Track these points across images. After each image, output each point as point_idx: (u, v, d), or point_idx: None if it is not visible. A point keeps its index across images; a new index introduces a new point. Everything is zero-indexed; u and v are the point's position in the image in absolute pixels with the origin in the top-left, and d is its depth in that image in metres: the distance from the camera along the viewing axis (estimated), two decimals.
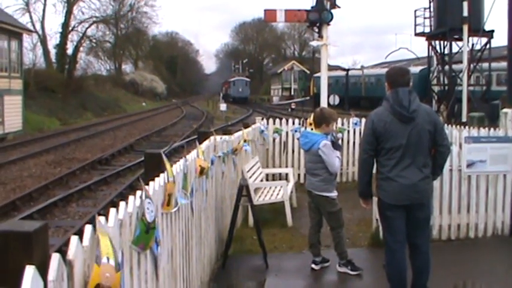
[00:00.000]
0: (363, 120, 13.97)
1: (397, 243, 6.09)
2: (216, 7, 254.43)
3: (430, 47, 34.97)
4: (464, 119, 27.39)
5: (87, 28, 66.56)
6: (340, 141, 14.61)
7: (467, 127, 15.26)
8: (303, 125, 14.98)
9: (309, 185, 7.84)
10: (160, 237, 3.79)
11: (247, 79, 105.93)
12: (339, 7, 16.51)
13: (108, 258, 2.50)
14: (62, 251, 9.06)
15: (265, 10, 16.87)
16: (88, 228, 2.59)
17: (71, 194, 14.64)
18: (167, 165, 4.30)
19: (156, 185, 4.00)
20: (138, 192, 3.42)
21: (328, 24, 16.36)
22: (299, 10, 16.55)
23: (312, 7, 16.36)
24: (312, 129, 8.07)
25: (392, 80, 6.05)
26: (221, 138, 8.23)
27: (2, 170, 19.04)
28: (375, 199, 6.40)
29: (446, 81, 33.31)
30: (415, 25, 35.59)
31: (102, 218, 2.70)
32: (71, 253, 2.34)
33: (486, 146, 9.08)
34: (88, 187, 15.79)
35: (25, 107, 35.08)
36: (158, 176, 4.26)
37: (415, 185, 5.85)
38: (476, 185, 9.21)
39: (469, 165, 9.03)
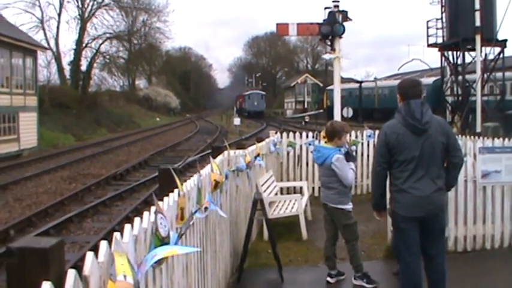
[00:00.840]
0: (377, 132, 13.97)
1: (412, 255, 6.07)
2: (228, 21, 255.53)
3: (443, 58, 34.86)
4: (478, 129, 27.25)
5: (100, 44, 67.11)
6: (354, 153, 14.68)
7: (481, 137, 15.19)
8: (316, 138, 14.98)
9: (324, 198, 7.86)
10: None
11: (263, 92, 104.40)
12: (350, 20, 16.51)
13: (125, 276, 2.52)
14: (78, 266, 9.11)
15: (277, 24, 16.90)
16: (103, 245, 2.61)
17: (86, 209, 14.71)
18: (177, 180, 4.33)
19: (170, 200, 4.03)
20: (153, 208, 3.44)
21: (341, 37, 16.36)
22: (311, 23, 16.57)
23: (323, 20, 16.38)
24: (325, 142, 8.07)
25: (405, 92, 6.06)
26: (235, 152, 8.24)
27: (18, 186, 19.19)
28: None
29: (460, 92, 33.16)
30: (428, 36, 35.52)
31: (117, 235, 2.72)
32: (86, 269, 2.36)
33: (501, 156, 9.04)
34: (103, 203, 15.85)
35: (40, 124, 35.35)
36: (172, 191, 4.29)
37: (429, 197, 5.84)
38: (491, 196, 9.16)
39: (483, 176, 8.99)
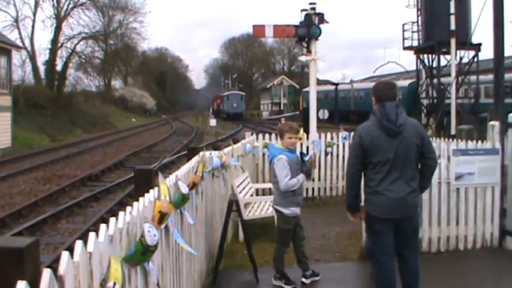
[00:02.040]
0: (352, 134, 14.04)
1: (386, 255, 6.12)
2: (205, 23, 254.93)
3: (419, 61, 35.24)
4: (453, 132, 27.50)
5: (76, 44, 66.66)
6: (329, 156, 14.74)
7: (455, 140, 15.34)
8: None
9: (273, 197, 7.91)
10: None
11: (242, 93, 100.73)
12: (327, 22, 16.61)
13: (114, 283, 2.53)
14: (52, 267, 9.06)
15: (254, 26, 16.95)
16: (79, 244, 2.61)
17: (60, 210, 14.61)
18: (163, 184, 4.34)
19: (145, 201, 4.03)
20: (128, 208, 3.45)
21: (317, 39, 16.45)
22: (288, 26, 16.64)
23: (300, 22, 16.46)
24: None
25: (379, 95, 6.11)
26: (210, 153, 8.25)
27: None
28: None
29: (435, 95, 33.52)
30: (404, 39, 35.87)
31: (97, 236, 2.72)
32: (62, 268, 2.36)
33: (474, 159, 9.16)
34: (78, 204, 15.76)
35: (14, 124, 35.01)
36: (148, 191, 4.29)
37: (403, 199, 5.89)
38: (465, 197, 9.26)
39: (457, 178, 9.10)
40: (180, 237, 4.88)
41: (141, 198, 4.01)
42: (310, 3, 16.50)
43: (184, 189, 4.60)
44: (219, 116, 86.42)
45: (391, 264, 6.15)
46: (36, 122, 44.35)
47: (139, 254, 3.34)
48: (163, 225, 4.35)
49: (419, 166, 6.11)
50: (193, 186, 5.92)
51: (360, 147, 6.00)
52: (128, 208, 3.50)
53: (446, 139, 15.96)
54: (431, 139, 7.40)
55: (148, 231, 3.38)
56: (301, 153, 7.85)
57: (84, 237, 2.69)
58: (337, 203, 12.27)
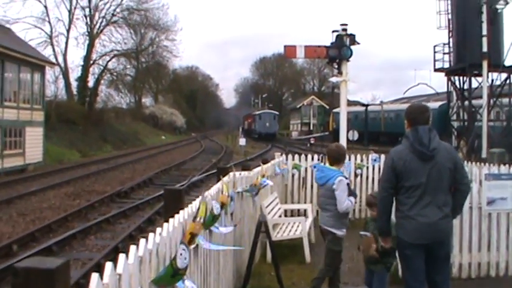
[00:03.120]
0: (382, 156, 13.93)
1: (416, 281, 6.02)
2: (236, 42, 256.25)
3: (450, 83, 34.93)
4: (484, 155, 27.21)
5: (108, 61, 67.56)
6: (359, 177, 14.66)
7: (487, 164, 15.15)
8: (322, 161, 14.97)
9: (320, 220, 7.90)
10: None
11: (276, 112, 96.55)
12: (358, 43, 16.55)
13: None
14: (80, 284, 9.08)
15: (285, 46, 16.94)
16: (108, 266, 2.59)
17: (89, 226, 14.68)
18: (203, 205, 4.32)
19: (175, 222, 4.01)
20: (158, 229, 3.43)
21: (348, 61, 16.39)
22: (319, 46, 16.60)
23: (331, 43, 16.42)
24: (329, 164, 8.00)
25: (412, 118, 6.04)
26: (240, 174, 8.23)
27: (22, 201, 19.19)
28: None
29: (465, 117, 33.18)
30: (435, 60, 35.61)
31: (127, 257, 2.70)
32: None
33: (507, 183, 8.99)
34: (107, 220, 15.83)
35: (46, 139, 35.47)
36: (178, 212, 4.27)
37: (435, 224, 5.79)
38: (497, 223, 9.11)
39: (489, 203, 8.95)
40: (215, 244, 4.86)
41: (170, 219, 3.99)
42: (342, 24, 16.47)
43: (217, 210, 4.58)
44: (250, 135, 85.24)
45: None
46: (68, 138, 44.85)
47: (169, 277, 3.32)
48: (192, 246, 4.33)
49: (451, 191, 6.01)
50: (222, 206, 5.90)
51: (392, 171, 5.92)
52: (158, 229, 3.48)
53: (478, 162, 15.77)
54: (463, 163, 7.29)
55: (181, 254, 3.36)
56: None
57: (112, 255, 2.67)
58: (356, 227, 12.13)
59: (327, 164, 8.00)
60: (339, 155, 7.78)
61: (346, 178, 7.72)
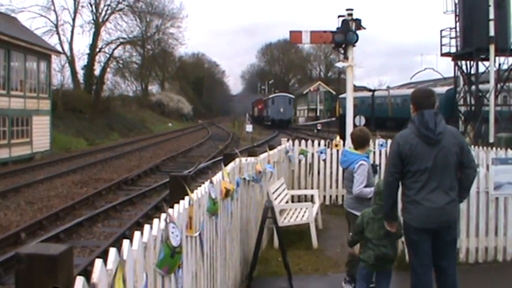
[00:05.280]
0: (389, 141, 13.89)
1: (423, 266, 6.00)
2: (243, 29, 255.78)
3: (456, 67, 34.74)
4: (491, 140, 27.11)
5: (114, 49, 67.42)
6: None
7: (494, 148, 15.10)
8: (328, 147, 14.96)
9: (345, 202, 8.12)
10: (182, 260, 3.78)
11: (291, 96, 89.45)
12: (364, 28, 16.46)
13: None
14: (87, 271, 9.11)
15: (290, 32, 16.87)
16: (112, 252, 2.59)
17: (96, 214, 14.74)
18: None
19: (180, 208, 4.01)
20: (163, 215, 3.43)
21: (354, 46, 16.32)
22: (324, 31, 16.53)
23: (337, 28, 16.34)
24: (353, 148, 8.10)
25: (418, 102, 6.01)
26: (246, 160, 8.22)
27: (29, 190, 19.27)
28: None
29: (473, 102, 33.04)
30: (441, 45, 35.40)
31: (131, 243, 2.70)
32: (95, 276, 2.34)
33: None
34: (114, 207, 15.88)
35: (53, 127, 35.54)
36: (183, 198, 4.27)
37: (442, 209, 5.77)
38: (504, 208, 9.08)
39: (496, 187, 8.91)
40: None
41: (175, 205, 3.99)
42: (347, 9, 16.39)
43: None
44: (261, 123, 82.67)
45: (428, 275, 6.04)
46: (74, 126, 44.93)
47: (169, 257, 3.33)
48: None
49: (458, 175, 5.98)
50: (227, 192, 5.88)
51: (398, 156, 5.89)
52: (163, 215, 3.48)
53: (485, 147, 15.72)
54: (470, 147, 7.26)
55: (172, 233, 3.36)
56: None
57: (119, 242, 2.67)
58: None
59: (350, 148, 8.14)
60: (363, 139, 7.93)
61: (372, 162, 7.84)
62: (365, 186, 7.50)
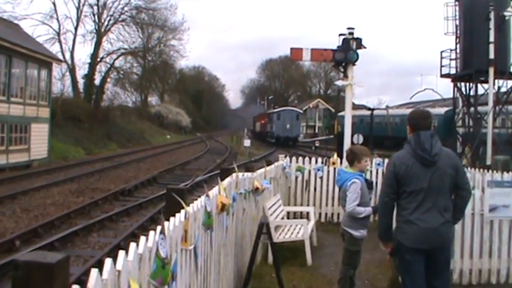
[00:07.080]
0: (386, 160, 13.93)
1: (416, 286, 6.02)
2: (246, 45, 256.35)
3: (456, 89, 34.80)
4: (488, 162, 27.15)
5: (115, 59, 67.52)
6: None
7: (490, 171, 15.13)
8: (325, 164, 15.00)
9: (341, 219, 8.26)
10: (177, 271, 3.81)
11: (299, 110, 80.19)
12: (364, 47, 16.57)
13: None
14: (81, 281, 9.11)
15: (291, 48, 16.97)
16: (108, 262, 2.62)
17: (92, 223, 14.72)
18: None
19: (176, 221, 4.04)
20: (159, 228, 3.47)
21: (354, 64, 16.42)
22: (325, 49, 16.63)
23: (338, 47, 16.45)
24: (347, 167, 8.21)
25: (414, 123, 6.07)
26: (243, 175, 8.25)
27: (26, 197, 19.26)
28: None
29: (471, 123, 33.10)
30: (441, 66, 35.45)
31: (126, 254, 2.73)
32: (90, 285, 2.37)
33: (510, 191, 8.98)
34: (110, 218, 15.87)
35: (51, 135, 35.56)
36: (179, 211, 4.30)
37: (436, 229, 5.80)
38: (498, 230, 9.11)
39: (491, 210, 8.94)
40: None
41: (171, 218, 4.02)
42: (348, 28, 16.50)
43: (209, 207, 4.70)
44: (263, 139, 78.39)
45: None
46: (73, 135, 44.94)
47: (161, 269, 3.36)
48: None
49: (453, 197, 6.02)
50: (223, 207, 5.91)
51: (394, 177, 5.94)
52: (158, 227, 3.51)
53: (482, 169, 15.75)
54: (466, 169, 7.31)
55: (161, 244, 3.40)
56: (365, 179, 7.95)
57: (113, 252, 2.70)
58: (369, 230, 12.14)
59: (344, 167, 8.26)
60: (352, 156, 7.96)
61: (367, 180, 7.88)
62: (359, 205, 7.49)
